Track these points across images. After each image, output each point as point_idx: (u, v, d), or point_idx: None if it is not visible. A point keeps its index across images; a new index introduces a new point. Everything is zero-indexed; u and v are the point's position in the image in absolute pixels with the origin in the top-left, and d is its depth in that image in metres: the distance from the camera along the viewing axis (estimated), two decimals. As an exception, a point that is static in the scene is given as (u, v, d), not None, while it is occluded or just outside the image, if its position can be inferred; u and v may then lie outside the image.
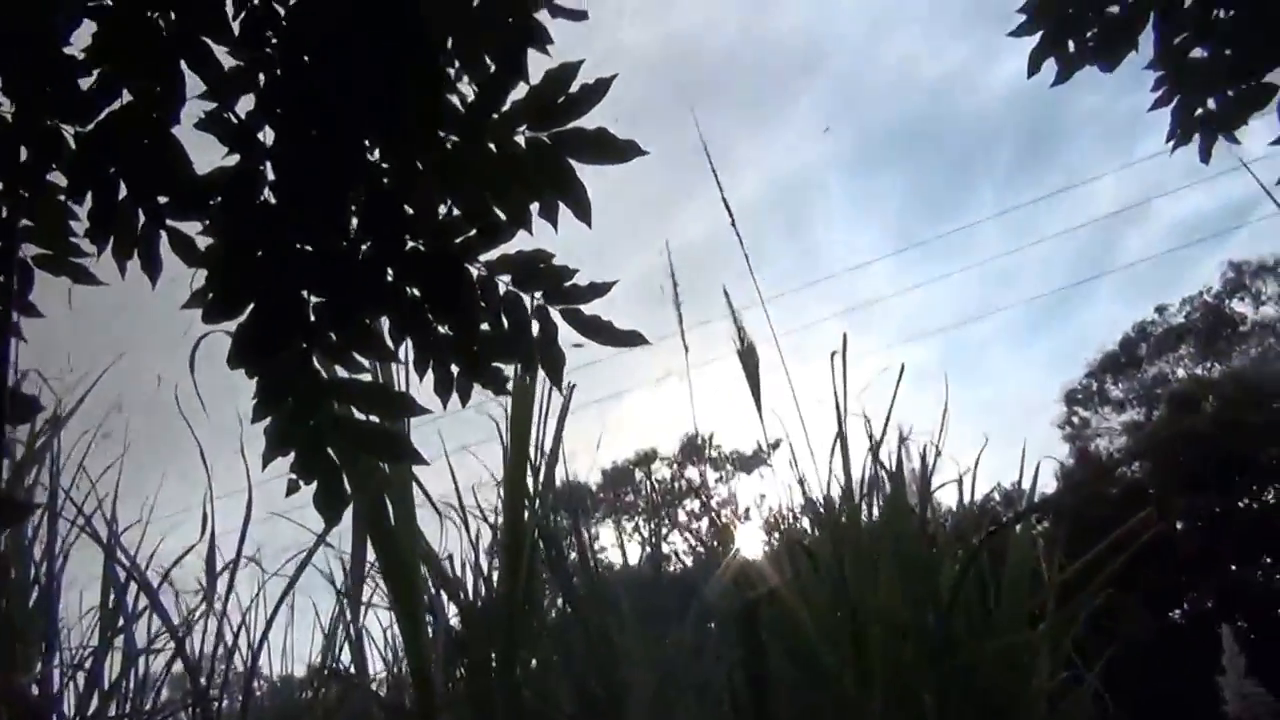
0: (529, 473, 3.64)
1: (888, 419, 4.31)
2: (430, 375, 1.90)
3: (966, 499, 5.68)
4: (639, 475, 29.80)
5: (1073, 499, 19.44)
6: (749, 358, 3.92)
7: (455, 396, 1.93)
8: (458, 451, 4.08)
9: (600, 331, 1.92)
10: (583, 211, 1.83)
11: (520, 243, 1.88)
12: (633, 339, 1.97)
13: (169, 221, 1.82)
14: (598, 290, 1.89)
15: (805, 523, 5.07)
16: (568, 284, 1.87)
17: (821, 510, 4.27)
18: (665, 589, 4.77)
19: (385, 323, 1.85)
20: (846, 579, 3.65)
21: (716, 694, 4.03)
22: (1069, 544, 4.78)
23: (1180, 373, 27.96)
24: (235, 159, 1.72)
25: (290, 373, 1.75)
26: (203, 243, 1.83)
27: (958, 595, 3.93)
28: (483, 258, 1.84)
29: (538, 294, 1.88)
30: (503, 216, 1.78)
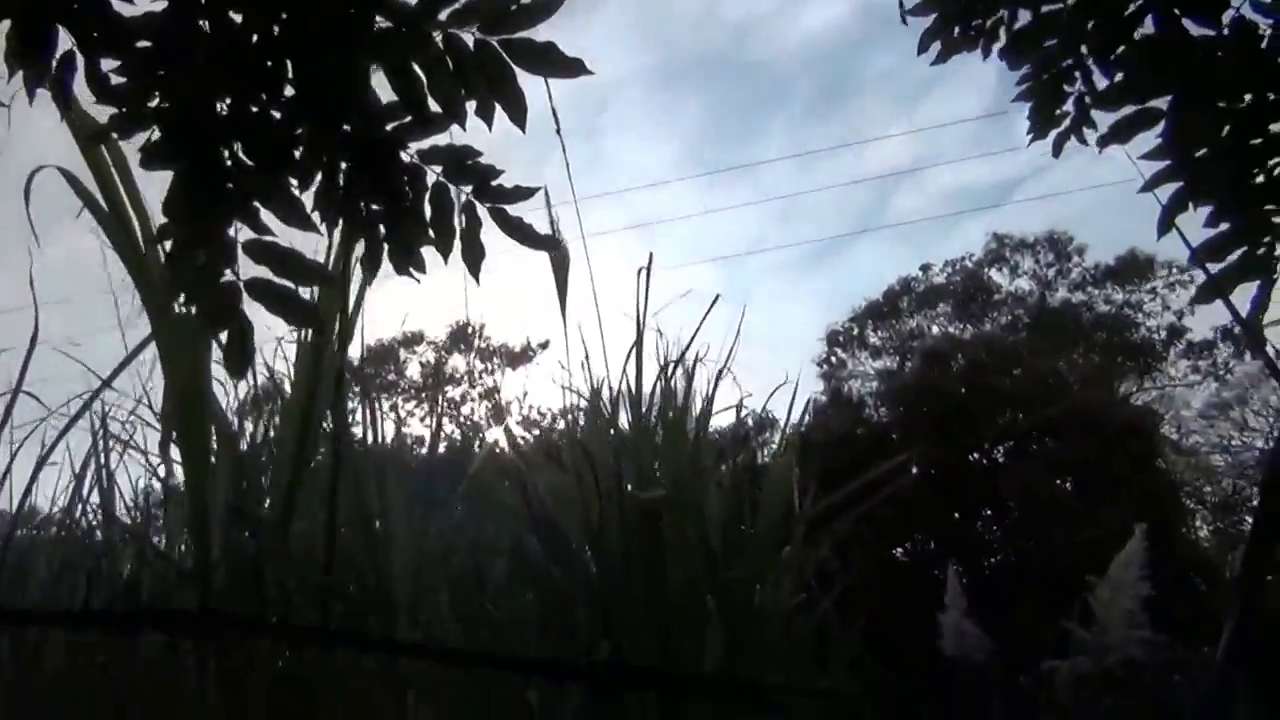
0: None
1: (692, 339, 4.50)
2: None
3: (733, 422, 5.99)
4: (403, 356, 29.58)
5: (823, 435, 20.45)
6: (559, 257, 3.99)
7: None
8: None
9: (522, 233, 1.98)
10: (519, 116, 1.89)
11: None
12: (550, 243, 2.06)
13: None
14: (523, 193, 1.96)
15: (578, 423, 5.22)
16: (494, 182, 1.93)
17: (606, 414, 4.40)
18: (426, 470, 4.85)
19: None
20: (621, 484, 3.81)
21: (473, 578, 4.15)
22: (822, 478, 5.09)
23: (935, 330, 29.62)
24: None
25: (211, 230, 1.76)
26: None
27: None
28: (414, 146, 1.88)
29: (467, 188, 1.93)
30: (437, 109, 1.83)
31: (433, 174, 1.89)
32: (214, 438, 3.42)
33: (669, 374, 4.35)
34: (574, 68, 1.84)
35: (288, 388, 3.89)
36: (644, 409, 4.31)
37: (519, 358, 29.33)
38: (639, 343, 4.19)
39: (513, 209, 1.93)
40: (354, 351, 4.11)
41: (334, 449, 3.70)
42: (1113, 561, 5.95)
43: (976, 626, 6.54)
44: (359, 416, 4.03)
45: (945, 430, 22.47)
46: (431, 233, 1.92)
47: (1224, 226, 1.84)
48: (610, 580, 3.72)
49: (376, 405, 4.48)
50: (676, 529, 3.68)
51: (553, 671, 2.87)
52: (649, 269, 4.35)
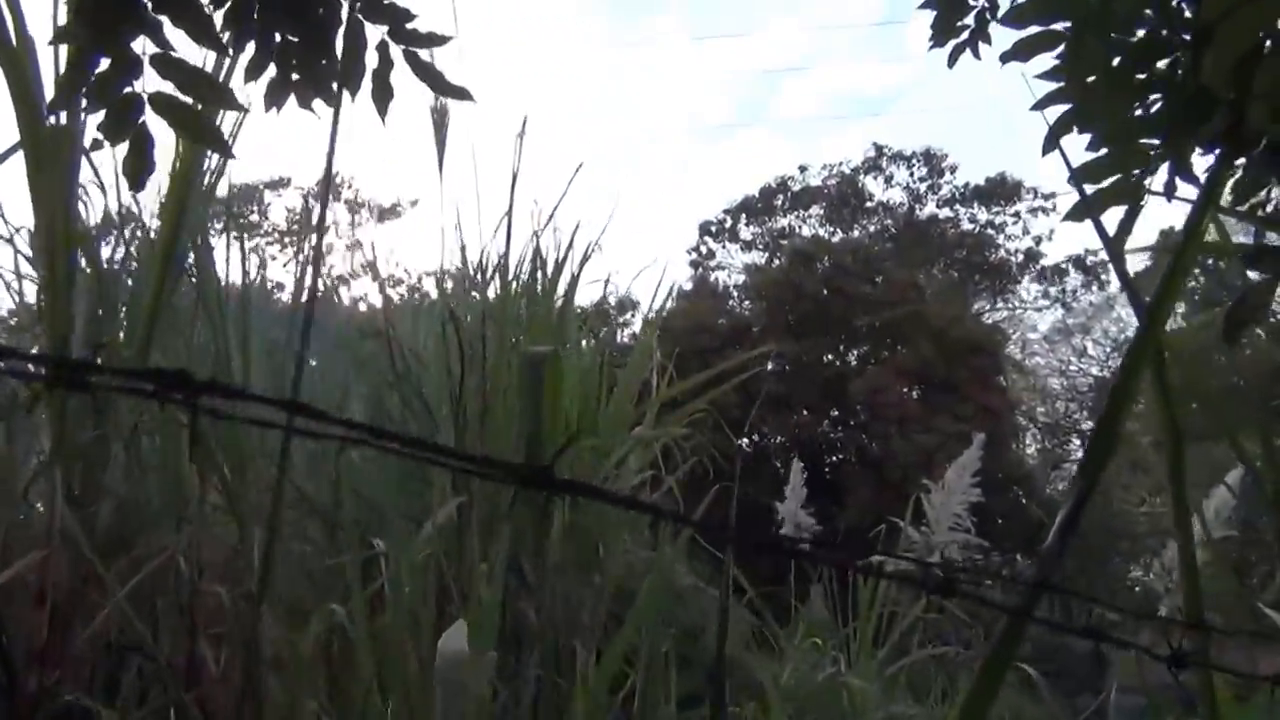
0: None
1: (558, 204, 4.52)
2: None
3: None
4: (268, 199, 28.87)
5: (685, 322, 20.78)
6: (439, 110, 3.96)
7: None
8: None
9: (435, 79, 1.96)
10: None
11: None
12: (461, 93, 2.04)
13: None
14: (438, 39, 1.93)
15: (446, 285, 5.21)
16: (409, 25, 1.90)
17: (473, 278, 4.42)
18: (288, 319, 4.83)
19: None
20: (485, 345, 3.85)
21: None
22: (678, 363, 5.17)
23: (806, 231, 30.07)
24: None
25: (117, 37, 1.70)
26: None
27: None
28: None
29: (382, 28, 1.90)
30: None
31: (346, 5, 1.86)
32: (81, 261, 3.35)
33: (538, 241, 4.38)
34: None
35: (149, 218, 3.80)
36: (511, 275, 4.33)
37: (388, 213, 28.82)
38: (510, 207, 4.19)
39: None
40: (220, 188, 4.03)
41: (199, 282, 3.65)
42: (950, 466, 6.26)
43: (813, 518, 6.85)
44: (222, 255, 3.94)
45: (803, 329, 23.11)
46: (344, 69, 1.90)
47: (1103, 152, 1.93)
48: (466, 437, 3.78)
49: (241, 244, 4.39)
50: (550, 390, 3.75)
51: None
52: (523, 132, 4.33)
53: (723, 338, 21.73)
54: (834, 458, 23.01)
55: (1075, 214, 1.94)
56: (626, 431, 4.54)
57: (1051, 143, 1.92)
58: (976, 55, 2.26)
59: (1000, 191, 29.70)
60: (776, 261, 27.14)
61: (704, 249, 31.14)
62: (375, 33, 1.87)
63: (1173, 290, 1.64)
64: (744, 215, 31.15)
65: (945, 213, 30.50)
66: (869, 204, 30.56)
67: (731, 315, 25.14)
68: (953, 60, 2.25)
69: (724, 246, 31.24)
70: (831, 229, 29.96)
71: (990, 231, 30.07)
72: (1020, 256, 30.03)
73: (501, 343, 4.04)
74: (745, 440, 21.73)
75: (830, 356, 24.25)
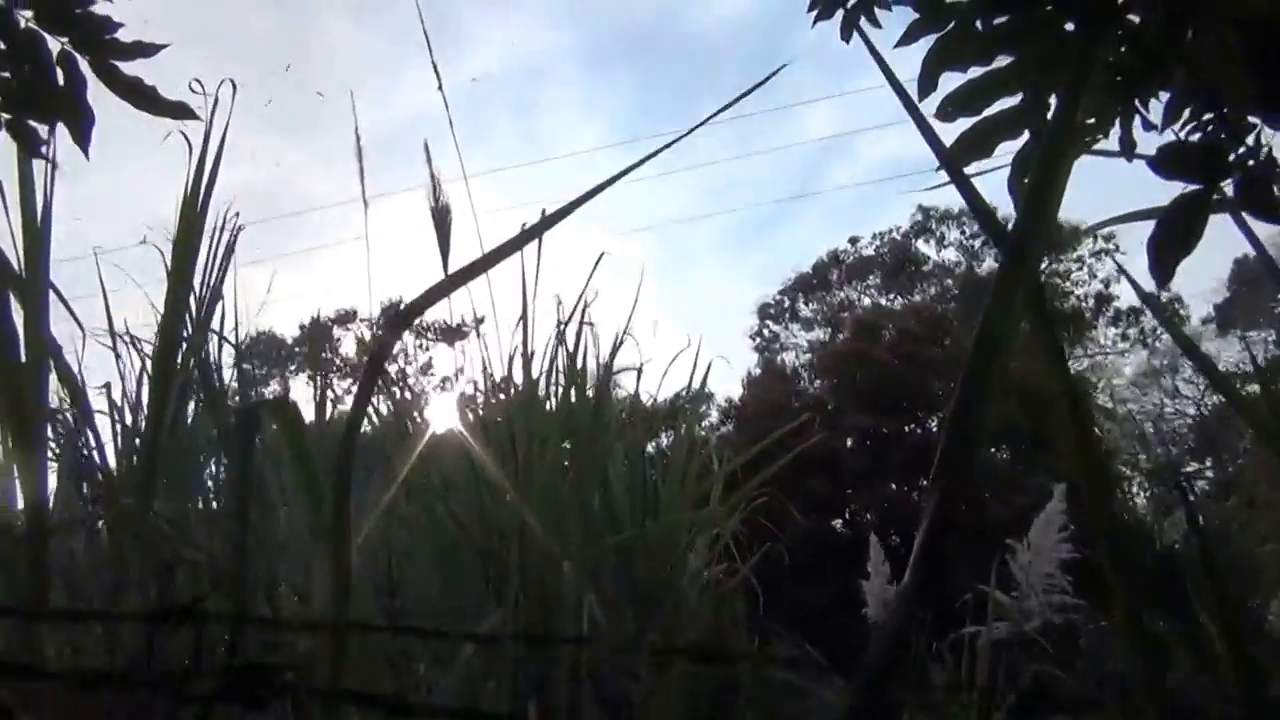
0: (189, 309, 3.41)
1: (579, 303, 4.31)
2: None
3: (653, 392, 5.81)
4: (337, 333, 29.28)
5: (758, 409, 20.45)
6: (441, 216, 3.78)
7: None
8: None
9: (139, 95, 1.71)
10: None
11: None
12: (180, 110, 1.78)
13: None
14: (144, 49, 1.69)
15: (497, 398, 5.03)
16: (109, 36, 1.67)
17: (508, 386, 4.24)
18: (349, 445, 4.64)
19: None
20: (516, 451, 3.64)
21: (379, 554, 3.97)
22: (752, 448, 4.94)
23: (866, 301, 29.76)
24: None
25: None
26: None
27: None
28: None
29: (64, 39, 1.65)
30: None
31: (24, 21, 1.61)
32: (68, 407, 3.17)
33: (561, 335, 4.15)
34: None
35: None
36: (541, 372, 4.11)
37: (454, 333, 28.89)
38: (524, 309, 3.99)
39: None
40: (290, 329, 3.90)
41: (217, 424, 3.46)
42: (1033, 525, 5.85)
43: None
44: (310, 395, 3.86)
45: (878, 401, 22.65)
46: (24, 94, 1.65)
47: (974, 74, 1.66)
48: (505, 545, 3.54)
49: (315, 381, 4.31)
50: (579, 487, 3.52)
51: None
52: (540, 229, 4.11)
53: (797, 418, 21.37)
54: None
55: (963, 151, 1.68)
56: (689, 515, 4.29)
57: (926, 83, 1.65)
58: (874, 23, 1.95)
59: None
60: (841, 336, 26.81)
61: (766, 332, 30.95)
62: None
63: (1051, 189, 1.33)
64: (801, 293, 30.96)
65: (1006, 265, 29.97)
66: (925, 267, 30.25)
67: (803, 395, 24.78)
68: (846, 34, 1.94)
69: (786, 327, 31.03)
70: (891, 297, 29.64)
71: (1056, 280, 29.49)
72: (1091, 301, 29.42)
73: (535, 443, 3.81)
74: (838, 521, 21.29)
75: (911, 426, 23.69)
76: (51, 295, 2.92)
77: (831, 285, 30.80)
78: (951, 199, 33.75)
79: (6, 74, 1.60)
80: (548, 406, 4.07)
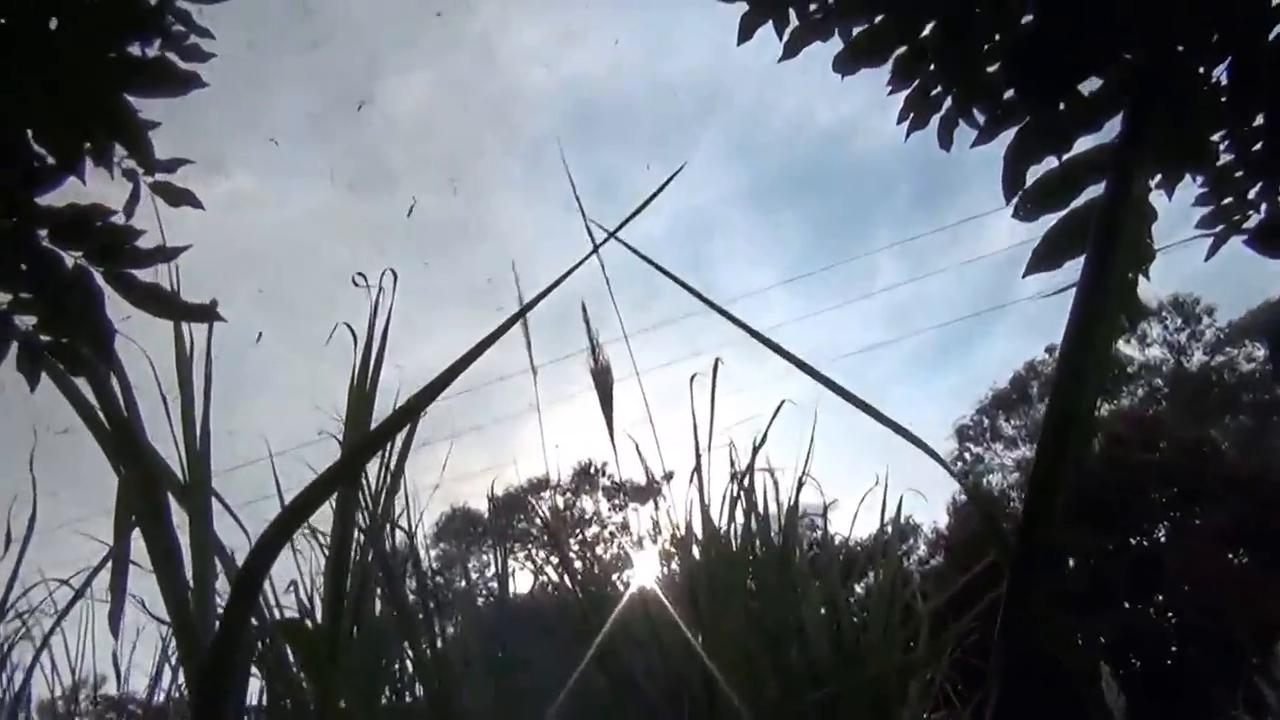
0: (364, 495, 3.42)
1: (755, 448, 4.18)
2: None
3: (845, 532, 5.59)
4: (531, 503, 29.60)
5: (967, 536, 19.63)
6: (602, 378, 3.75)
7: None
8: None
9: (158, 302, 1.68)
10: (141, 155, 1.63)
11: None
12: (204, 313, 1.74)
13: None
14: (165, 254, 1.67)
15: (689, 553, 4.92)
16: (127, 245, 1.64)
17: (694, 540, 4.12)
18: (530, 621, 4.59)
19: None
20: (700, 609, 3.50)
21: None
22: (968, 579, 4.68)
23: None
24: None
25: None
26: None
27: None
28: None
29: (77, 253, 1.63)
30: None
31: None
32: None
33: (741, 483, 4.02)
34: (189, 82, 1.59)
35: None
36: (721, 522, 3.99)
37: (645, 491, 28.99)
38: (698, 462, 3.90)
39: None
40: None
41: (397, 613, 3.45)
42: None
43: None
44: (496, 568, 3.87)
45: (1096, 514, 21.43)
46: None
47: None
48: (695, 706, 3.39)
49: (507, 554, 4.32)
50: (772, 640, 3.37)
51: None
52: (713, 379, 4.04)
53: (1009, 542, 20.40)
54: (1171, 647, 20.75)
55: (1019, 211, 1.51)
56: (897, 658, 4.05)
57: (1012, 181, 1.51)
58: (974, 125, 1.81)
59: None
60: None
61: (968, 455, 29.95)
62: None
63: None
64: (1001, 411, 29.94)
65: (1217, 359, 28.50)
66: (1130, 369, 28.93)
67: (1015, 518, 23.70)
68: (944, 142, 1.79)
69: (988, 447, 29.96)
70: (1097, 403, 28.35)
71: (1271, 366, 27.82)
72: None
73: (720, 596, 3.68)
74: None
75: (1136, 538, 22.32)
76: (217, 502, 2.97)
77: (1033, 399, 29.74)
78: (1147, 296, 32.43)
79: (29, 294, 1.60)
80: (732, 557, 3.93)
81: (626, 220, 1.43)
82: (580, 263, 1.37)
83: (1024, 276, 1.50)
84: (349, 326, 3.59)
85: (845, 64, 1.74)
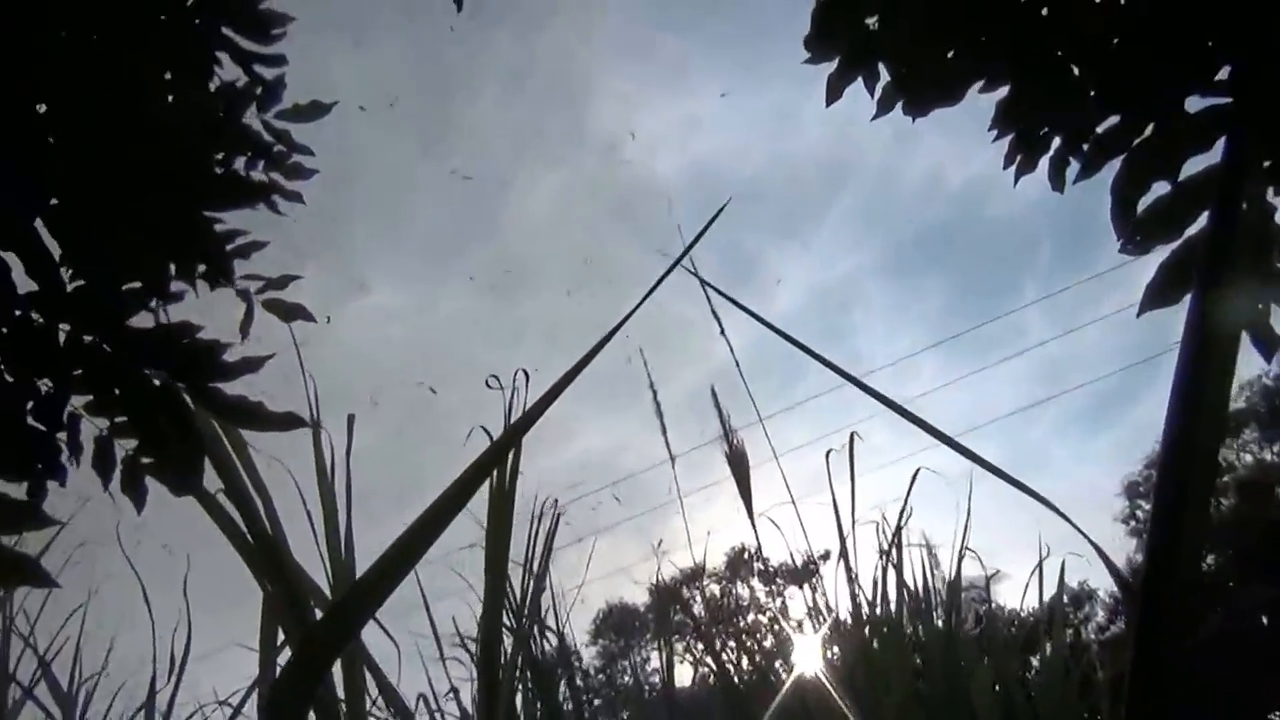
0: (509, 601, 3.40)
1: (899, 524, 4.03)
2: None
3: (1013, 603, 5.33)
4: (686, 593, 29.32)
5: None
6: (738, 462, 3.69)
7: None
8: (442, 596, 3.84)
9: (243, 415, 1.65)
10: (222, 273, 1.63)
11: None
12: (289, 421, 1.70)
13: None
14: (250, 365, 1.64)
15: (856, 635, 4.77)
16: (213, 361, 1.62)
17: (855, 624, 3.99)
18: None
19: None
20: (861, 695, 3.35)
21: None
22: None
23: (1246, 458, 27.15)
24: None
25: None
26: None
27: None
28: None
29: (164, 373, 1.61)
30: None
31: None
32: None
33: (890, 559, 3.87)
34: (259, 192, 1.58)
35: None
36: (873, 604, 3.85)
37: (801, 574, 28.48)
38: (842, 544, 3.79)
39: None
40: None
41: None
42: None
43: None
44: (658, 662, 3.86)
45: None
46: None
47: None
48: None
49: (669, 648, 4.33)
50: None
51: None
52: (850, 453, 3.94)
53: (1196, 600, 19.36)
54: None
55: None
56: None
57: (1122, 214, 1.38)
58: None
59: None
60: (1223, 503, 24.46)
61: (1140, 513, 28.60)
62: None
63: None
64: (1171, 464, 28.57)
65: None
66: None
67: (1204, 574, 22.54)
68: (1056, 184, 1.66)
69: (1161, 504, 28.54)
70: (1275, 449, 26.91)
71: None
72: None
73: (880, 681, 3.54)
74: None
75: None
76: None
77: (1202, 450, 28.35)
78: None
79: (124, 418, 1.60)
80: (892, 638, 3.78)
81: (656, 286, 1.37)
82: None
83: (1139, 315, 1.38)
84: (485, 430, 3.60)
85: (912, 105, 1.65)
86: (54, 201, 1.46)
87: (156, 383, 1.59)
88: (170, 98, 1.60)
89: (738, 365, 4.26)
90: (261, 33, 1.86)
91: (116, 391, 1.52)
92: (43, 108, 1.47)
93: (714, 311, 3.97)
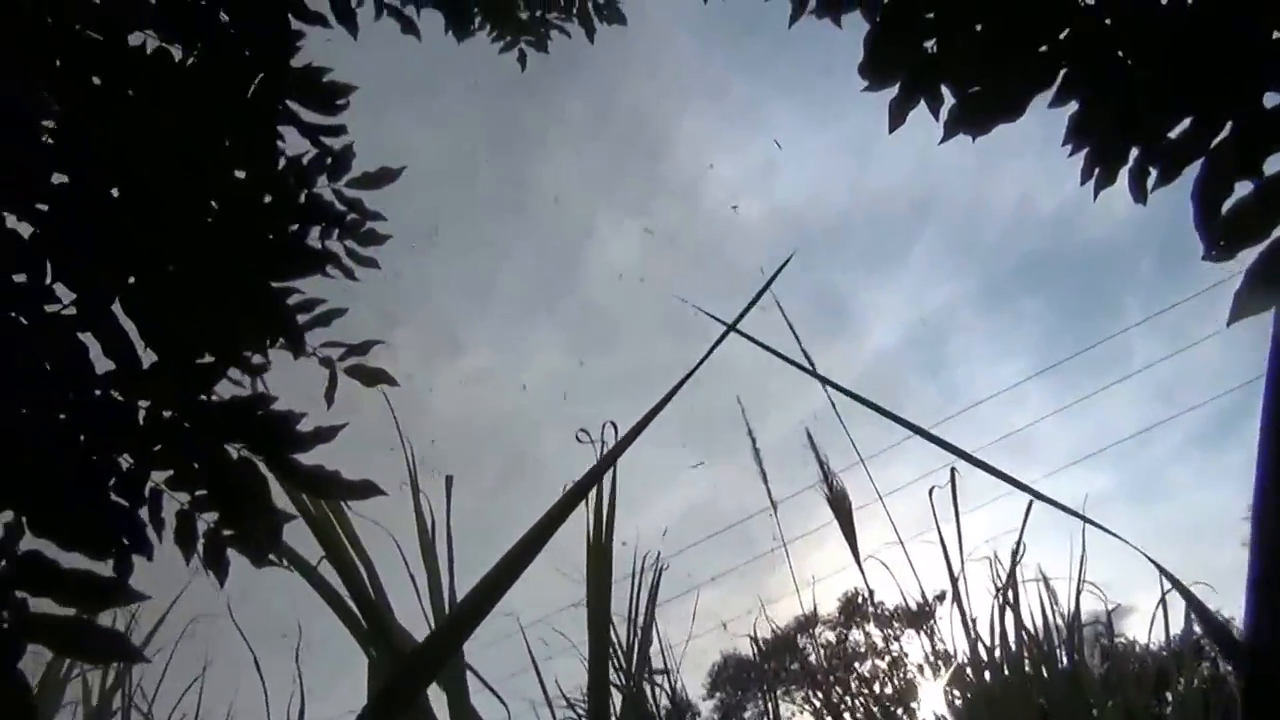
0: (614, 659, 3.34)
1: (1013, 560, 3.90)
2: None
3: (1141, 638, 5.15)
4: (801, 642, 28.88)
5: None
6: (840, 505, 3.61)
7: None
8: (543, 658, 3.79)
9: (320, 485, 1.63)
10: (295, 343, 1.63)
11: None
12: (365, 491, 1.67)
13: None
14: (322, 435, 1.62)
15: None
16: (288, 431, 1.60)
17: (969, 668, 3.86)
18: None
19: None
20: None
21: None
22: None
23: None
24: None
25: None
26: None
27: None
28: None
29: (239, 445, 1.60)
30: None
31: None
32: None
33: (1005, 597, 3.75)
34: (315, 262, 1.58)
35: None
36: (996, 647, 3.74)
37: (918, 617, 27.87)
38: (954, 586, 3.69)
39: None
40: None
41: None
42: None
43: None
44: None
45: None
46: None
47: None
48: None
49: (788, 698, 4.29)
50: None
51: None
52: (953, 490, 3.84)
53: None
54: None
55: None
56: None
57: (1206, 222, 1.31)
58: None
59: None
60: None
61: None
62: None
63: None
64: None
65: None
66: None
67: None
68: (1138, 196, 1.56)
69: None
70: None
71: None
72: None
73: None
74: None
75: None
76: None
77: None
78: None
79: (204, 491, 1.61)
80: (1012, 679, 3.65)
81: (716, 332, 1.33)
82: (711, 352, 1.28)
83: (1228, 324, 1.30)
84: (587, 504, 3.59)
85: (972, 124, 1.59)
86: (130, 281, 1.49)
87: (235, 455, 1.60)
88: (237, 173, 1.63)
89: (833, 405, 4.18)
90: (326, 105, 1.88)
91: (195, 466, 1.54)
92: (116, 191, 1.51)
93: (803, 351, 3.91)
